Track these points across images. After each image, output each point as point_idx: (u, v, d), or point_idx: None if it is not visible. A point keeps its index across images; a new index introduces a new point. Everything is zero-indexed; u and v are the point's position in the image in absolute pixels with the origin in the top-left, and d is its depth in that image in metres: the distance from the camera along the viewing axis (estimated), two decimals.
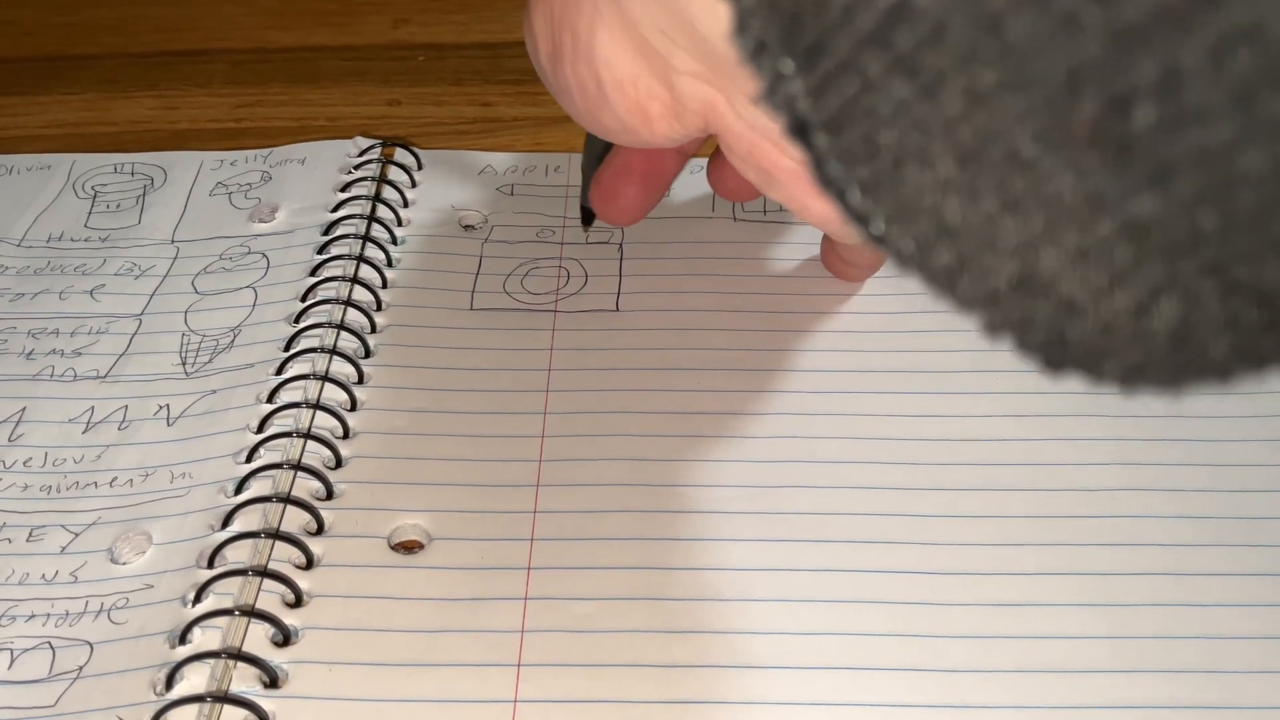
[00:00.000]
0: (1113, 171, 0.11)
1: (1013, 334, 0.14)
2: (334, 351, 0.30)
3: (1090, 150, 0.11)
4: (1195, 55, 0.10)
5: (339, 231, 0.35)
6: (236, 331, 0.32)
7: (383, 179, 0.37)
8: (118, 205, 0.37)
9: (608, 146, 0.30)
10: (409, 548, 0.27)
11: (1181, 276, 0.12)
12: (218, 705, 0.23)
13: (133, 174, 0.38)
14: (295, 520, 0.27)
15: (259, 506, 0.27)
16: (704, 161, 0.38)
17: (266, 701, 0.23)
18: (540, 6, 0.24)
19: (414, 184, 0.37)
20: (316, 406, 0.29)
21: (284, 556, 0.26)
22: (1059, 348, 0.13)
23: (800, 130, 0.14)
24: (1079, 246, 0.12)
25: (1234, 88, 0.10)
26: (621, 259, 0.34)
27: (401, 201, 0.36)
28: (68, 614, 0.25)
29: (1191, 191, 0.11)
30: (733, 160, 0.23)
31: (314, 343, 0.31)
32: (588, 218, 0.34)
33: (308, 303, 0.32)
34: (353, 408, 0.30)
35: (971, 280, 0.13)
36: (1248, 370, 0.12)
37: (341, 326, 0.31)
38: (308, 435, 0.28)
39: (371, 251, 0.34)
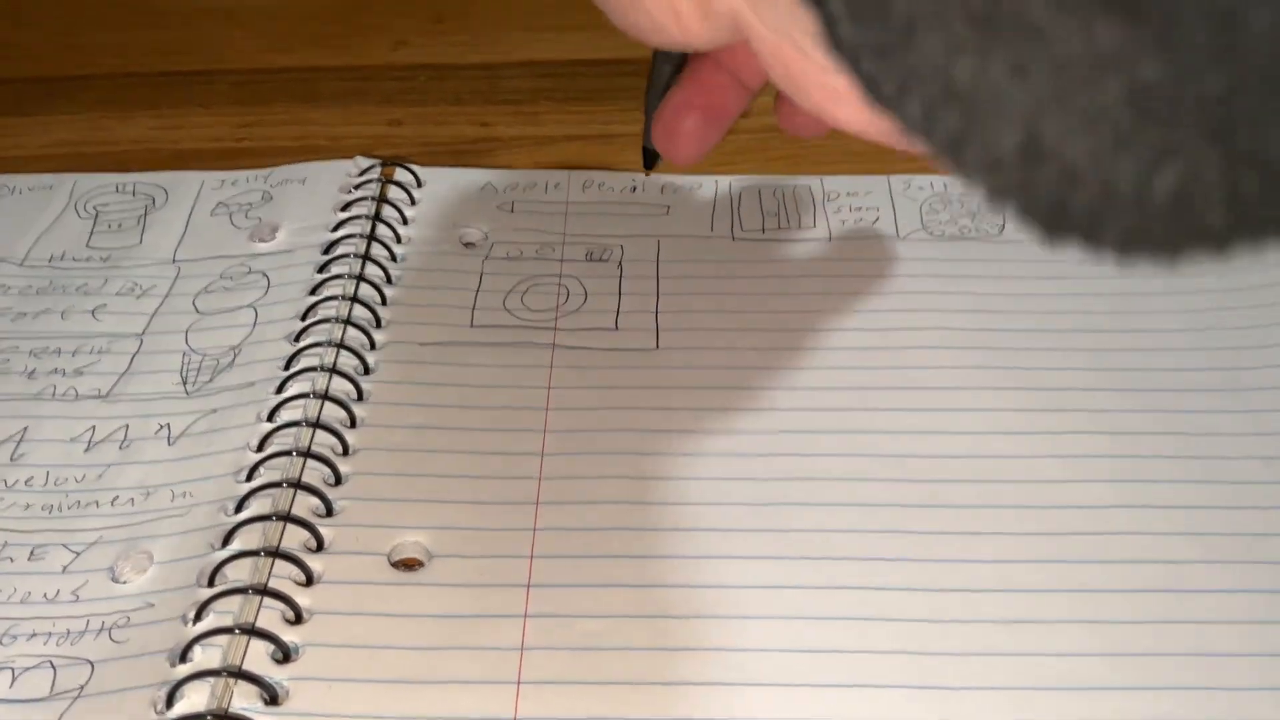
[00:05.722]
0: (1122, 33, 0.11)
1: (1015, 200, 0.14)
2: (334, 370, 0.31)
3: (1100, 11, 0.11)
4: None
5: (339, 250, 0.35)
6: (237, 350, 0.32)
7: (382, 198, 0.37)
8: (119, 225, 0.37)
9: (670, 81, 0.30)
10: (409, 565, 0.27)
11: (1185, 143, 0.12)
12: None
13: (134, 194, 0.38)
14: (295, 538, 0.27)
15: (259, 525, 0.27)
16: (701, 180, 0.38)
17: (267, 719, 0.23)
18: None
19: (414, 202, 0.38)
20: (316, 425, 0.29)
21: (284, 574, 0.26)
22: (1060, 214, 0.13)
23: None
24: (1084, 111, 0.12)
25: None
26: (621, 277, 0.34)
27: (401, 219, 0.37)
28: (69, 633, 0.25)
29: (1199, 53, 0.11)
30: (763, 62, 0.22)
31: (314, 361, 0.31)
32: (650, 159, 0.33)
33: (308, 321, 0.32)
34: (352, 425, 0.30)
35: (977, 146, 0.13)
36: (1246, 241, 0.13)
37: (341, 345, 0.31)
38: (307, 453, 0.28)
39: (371, 270, 0.34)
